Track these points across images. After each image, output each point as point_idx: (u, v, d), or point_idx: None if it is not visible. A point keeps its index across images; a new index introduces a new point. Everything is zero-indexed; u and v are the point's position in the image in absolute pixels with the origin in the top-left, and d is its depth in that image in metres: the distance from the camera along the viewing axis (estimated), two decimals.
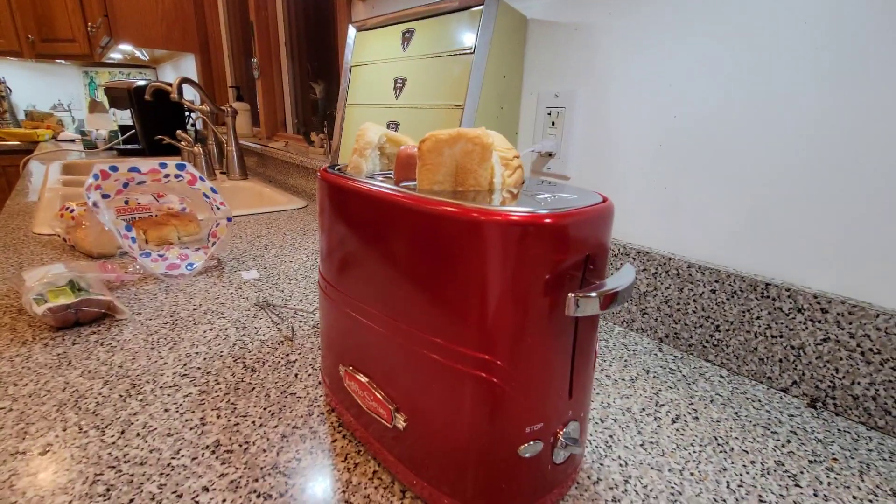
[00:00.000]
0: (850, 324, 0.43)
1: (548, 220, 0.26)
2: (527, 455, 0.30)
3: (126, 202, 0.92)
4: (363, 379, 0.36)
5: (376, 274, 0.33)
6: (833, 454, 0.40)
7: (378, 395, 0.35)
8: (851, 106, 0.43)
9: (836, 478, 0.37)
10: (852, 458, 0.40)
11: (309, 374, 0.50)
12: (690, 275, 0.55)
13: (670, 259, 0.57)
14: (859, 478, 0.38)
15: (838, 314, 0.44)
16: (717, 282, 0.53)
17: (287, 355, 0.54)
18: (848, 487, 0.37)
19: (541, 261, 0.27)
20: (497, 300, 0.27)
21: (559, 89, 0.69)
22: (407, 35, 0.83)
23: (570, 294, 0.27)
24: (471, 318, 0.28)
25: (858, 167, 0.43)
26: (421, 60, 0.80)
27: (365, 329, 0.35)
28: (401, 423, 0.33)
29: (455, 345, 0.29)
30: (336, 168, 0.40)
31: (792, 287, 0.47)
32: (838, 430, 0.43)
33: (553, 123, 0.71)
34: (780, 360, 0.49)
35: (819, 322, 0.45)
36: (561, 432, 0.31)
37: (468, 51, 0.69)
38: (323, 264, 0.40)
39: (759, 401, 0.48)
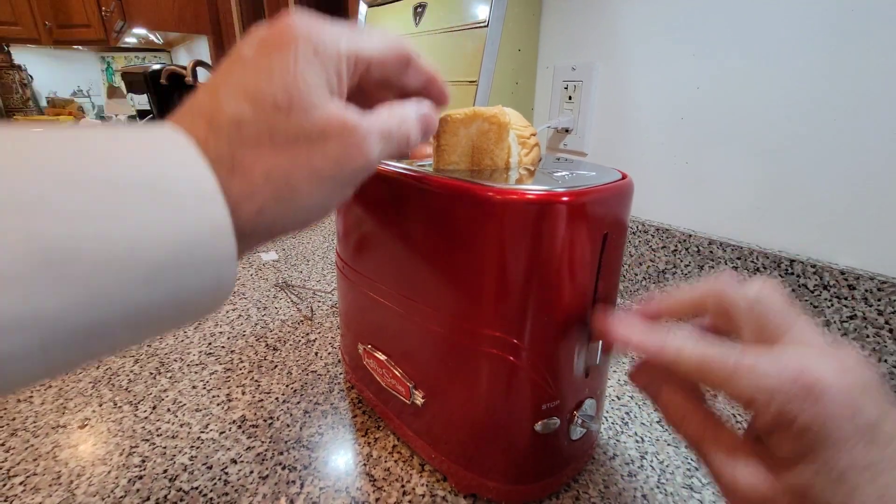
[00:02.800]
0: (879, 300, 0.42)
1: (565, 199, 0.26)
2: (543, 432, 0.30)
3: None
4: (382, 357, 0.37)
5: (393, 254, 0.33)
6: None
7: (396, 373, 0.36)
8: (884, 70, 0.41)
9: None
10: None
11: (329, 353, 0.51)
12: (711, 251, 0.54)
13: (690, 236, 0.56)
14: None
15: (866, 290, 0.43)
16: (739, 259, 0.51)
17: (307, 334, 0.55)
18: None
19: (557, 240, 0.26)
20: (513, 279, 0.27)
21: (576, 62, 0.67)
22: (419, 10, 0.81)
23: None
24: (487, 297, 0.28)
25: (888, 137, 0.41)
26: (433, 36, 0.78)
27: (382, 308, 0.35)
28: (419, 399, 0.34)
29: (471, 323, 0.29)
30: None
31: (818, 263, 0.46)
32: None
33: (570, 98, 0.69)
34: None
35: (846, 299, 0.44)
36: (577, 410, 0.32)
37: (482, 24, 0.67)
38: (340, 245, 0.40)
39: None
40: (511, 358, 0.28)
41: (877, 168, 0.42)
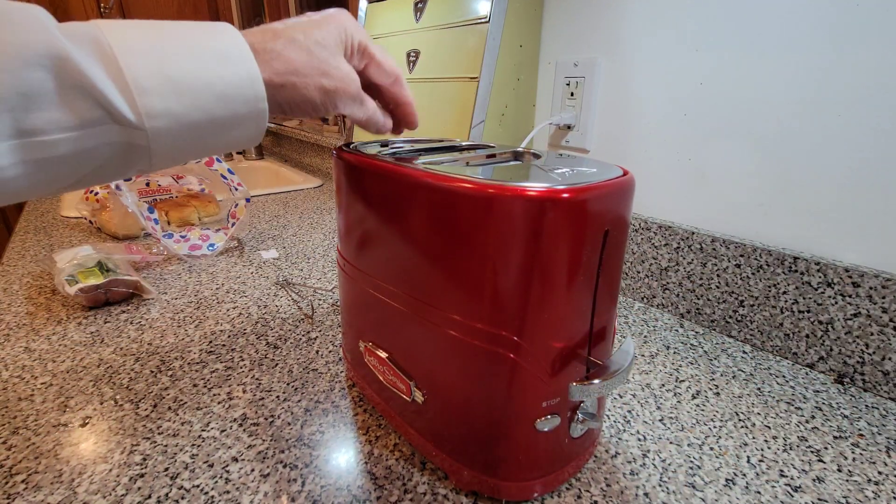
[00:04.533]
0: (884, 298, 0.42)
1: (565, 195, 0.26)
2: (544, 429, 0.30)
3: (147, 184, 0.94)
4: (382, 354, 0.37)
5: (394, 251, 0.33)
6: (859, 430, 0.39)
7: (397, 370, 0.35)
8: (889, 65, 0.40)
9: (861, 453, 0.37)
10: (879, 434, 0.39)
11: (329, 351, 0.51)
12: (714, 249, 0.53)
13: (693, 233, 0.55)
14: (886, 453, 0.37)
15: (871, 288, 0.42)
16: (742, 256, 0.51)
17: (308, 332, 0.55)
18: (874, 463, 0.36)
19: (558, 236, 0.26)
20: (514, 276, 0.27)
21: (578, 58, 0.66)
22: (420, 5, 0.80)
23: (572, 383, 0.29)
24: (487, 293, 0.28)
25: (892, 133, 0.41)
26: (434, 31, 0.77)
27: (383, 306, 0.35)
28: (419, 397, 0.34)
29: (471, 320, 0.29)
30: (351, 146, 0.40)
31: (822, 260, 0.45)
32: (866, 406, 0.42)
33: (572, 94, 0.68)
34: (807, 336, 0.47)
35: (850, 296, 0.44)
36: (578, 407, 0.31)
37: (483, 20, 0.67)
38: (341, 243, 0.40)
39: (784, 376, 0.47)
40: (511, 355, 0.28)
41: (881, 164, 0.42)
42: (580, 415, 0.31)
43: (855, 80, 0.42)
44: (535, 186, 0.26)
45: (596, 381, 0.28)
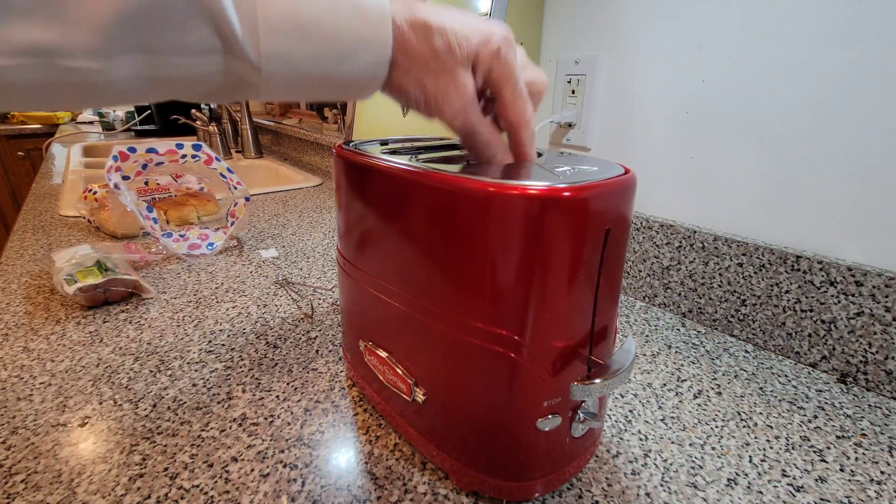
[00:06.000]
0: (887, 297, 0.42)
1: (566, 194, 0.26)
2: (545, 429, 0.30)
3: (146, 183, 0.94)
4: (383, 354, 0.37)
5: (394, 250, 0.33)
6: (862, 430, 0.39)
7: (397, 370, 0.35)
8: (893, 63, 0.40)
9: (864, 453, 0.37)
10: (882, 434, 0.39)
11: (329, 350, 0.51)
12: (717, 248, 0.53)
13: (695, 232, 0.55)
14: (888, 453, 0.37)
15: (874, 287, 0.42)
16: (744, 255, 0.51)
17: (307, 332, 0.55)
18: (876, 462, 0.36)
19: (559, 235, 0.26)
20: (514, 275, 0.27)
21: (579, 55, 0.66)
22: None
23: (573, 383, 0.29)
24: (488, 292, 0.28)
25: None
26: None
27: (383, 305, 0.35)
28: (420, 396, 0.34)
29: (472, 320, 0.29)
30: (351, 144, 0.39)
31: (825, 259, 0.45)
32: (869, 405, 0.42)
33: (573, 92, 0.68)
34: (810, 335, 0.47)
35: (853, 295, 0.44)
36: (579, 407, 0.31)
37: (483, 16, 0.67)
38: (341, 242, 0.40)
39: (786, 376, 0.47)
40: (512, 354, 0.28)
41: (885, 162, 0.42)
42: (581, 414, 0.31)
43: (859, 78, 0.42)
44: (535, 185, 0.25)
45: (597, 380, 0.28)
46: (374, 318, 0.37)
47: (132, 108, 2.26)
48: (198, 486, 0.33)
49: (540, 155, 0.36)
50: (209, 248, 0.79)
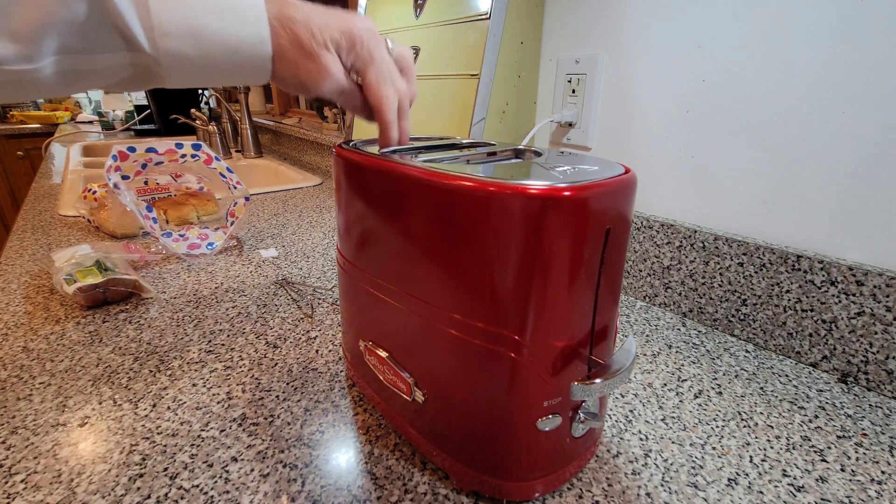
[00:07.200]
0: (888, 297, 0.41)
1: (567, 193, 0.25)
2: (545, 429, 0.30)
3: (146, 182, 0.94)
4: (383, 354, 0.36)
5: (394, 250, 0.33)
6: (863, 430, 0.39)
7: (397, 370, 0.35)
8: (894, 63, 0.40)
9: (864, 453, 0.37)
10: (883, 434, 0.39)
11: (329, 350, 0.51)
12: (717, 247, 0.53)
13: (696, 231, 0.55)
14: (889, 453, 0.37)
15: (875, 287, 0.42)
16: (745, 255, 0.51)
17: (307, 332, 0.55)
18: (877, 462, 0.36)
19: (559, 235, 0.26)
20: (514, 275, 0.27)
21: (580, 55, 0.66)
22: (420, 2, 0.80)
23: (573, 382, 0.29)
24: (488, 292, 0.28)
25: None
26: (434, 28, 0.77)
27: (383, 305, 0.35)
28: (420, 397, 0.34)
29: (472, 320, 0.28)
30: (351, 144, 0.39)
31: (825, 259, 0.45)
32: (870, 405, 0.42)
33: (573, 91, 0.68)
34: (811, 335, 0.47)
35: (854, 295, 0.43)
36: (580, 407, 0.31)
37: (483, 16, 0.67)
38: (341, 241, 0.40)
39: (787, 376, 0.46)
40: (512, 354, 0.28)
41: (886, 161, 0.42)
42: (581, 414, 0.31)
43: (860, 78, 0.42)
44: (536, 184, 0.25)
45: (598, 380, 0.28)
46: (374, 317, 0.37)
47: (131, 108, 2.26)
48: (198, 486, 0.33)
49: (539, 154, 0.36)
50: (209, 247, 0.79)
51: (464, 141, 0.43)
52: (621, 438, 0.38)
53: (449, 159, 0.35)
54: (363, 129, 0.98)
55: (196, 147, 0.77)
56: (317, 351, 0.51)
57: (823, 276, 0.45)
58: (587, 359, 0.30)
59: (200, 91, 2.07)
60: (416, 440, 0.36)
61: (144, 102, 2.08)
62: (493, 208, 0.26)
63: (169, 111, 1.90)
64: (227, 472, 0.35)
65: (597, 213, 0.26)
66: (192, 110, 1.62)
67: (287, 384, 0.45)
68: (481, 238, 0.27)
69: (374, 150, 0.37)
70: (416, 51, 0.80)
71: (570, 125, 0.70)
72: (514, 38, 0.68)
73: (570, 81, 0.68)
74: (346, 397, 0.43)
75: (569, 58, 0.67)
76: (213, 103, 2.32)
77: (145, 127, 2.08)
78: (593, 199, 0.26)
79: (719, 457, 0.36)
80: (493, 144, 0.41)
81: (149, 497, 0.33)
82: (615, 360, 0.29)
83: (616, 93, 0.63)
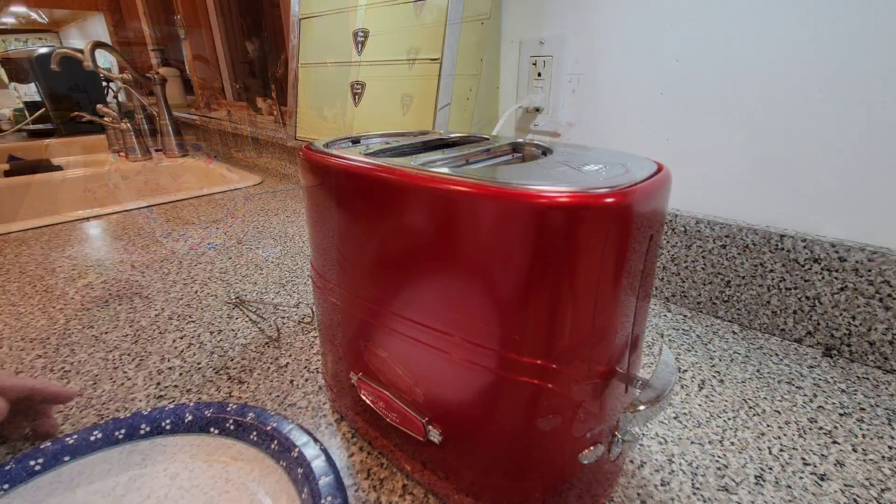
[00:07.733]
0: (870, 271, 0.43)
1: (609, 200, 0.22)
2: (588, 461, 0.27)
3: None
4: (385, 392, 0.31)
5: (397, 272, 0.27)
6: (859, 404, 0.40)
7: (404, 409, 0.30)
8: (869, 41, 0.40)
9: (868, 429, 0.37)
10: (878, 407, 0.40)
11: (306, 379, 0.45)
12: (699, 231, 0.53)
13: (676, 216, 0.54)
14: (889, 426, 0.38)
15: (857, 262, 0.43)
16: (727, 236, 0.51)
17: (276, 359, 0.48)
18: (881, 438, 0.37)
19: (599, 249, 0.22)
20: (551, 297, 0.23)
21: (545, 35, 0.62)
22: None
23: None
24: (519, 318, 0.24)
25: (874, 106, 0.41)
26: (385, 7, 0.70)
27: (382, 334, 0.30)
28: (436, 437, 0.29)
29: (499, 349, 0.24)
30: (319, 145, 0.33)
31: (807, 237, 0.46)
32: (857, 377, 0.44)
33: (539, 74, 0.65)
34: (794, 312, 0.48)
35: (836, 271, 0.44)
36: (617, 428, 0.28)
37: None
38: (319, 259, 0.34)
39: (777, 354, 0.47)
40: (550, 385, 0.24)
41: (864, 137, 0.42)
42: (620, 437, 0.28)
43: (838, 55, 0.42)
44: (573, 191, 0.21)
45: (644, 407, 0.25)
46: (370, 348, 0.32)
47: (21, 105, 1.94)
48: None
49: (550, 151, 0.32)
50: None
51: (452, 135, 0.38)
52: (641, 444, 0.36)
53: (449, 159, 0.30)
54: (309, 120, 0.89)
55: None
56: (291, 382, 0.44)
57: (807, 253, 0.46)
58: (627, 376, 0.27)
59: (106, 83, 1.81)
60: (429, 479, 0.32)
61: (37, 98, 1.79)
62: (528, 221, 0.22)
63: (69, 108, 1.65)
64: None
65: (642, 219, 0.23)
66: (99, 106, 1.41)
67: None
68: (505, 253, 0.22)
69: (353, 152, 0.31)
70: (366, 34, 0.73)
71: (538, 110, 0.67)
72: (473, 17, 0.64)
73: (534, 64, 0.65)
74: (336, 435, 0.38)
75: (532, 38, 0.64)
76: (122, 97, 2.06)
77: (40, 127, 1.80)
78: (638, 203, 0.23)
79: (739, 452, 0.35)
80: (487, 139, 0.36)
81: None
82: (659, 377, 0.27)
83: (585, 75, 0.60)
